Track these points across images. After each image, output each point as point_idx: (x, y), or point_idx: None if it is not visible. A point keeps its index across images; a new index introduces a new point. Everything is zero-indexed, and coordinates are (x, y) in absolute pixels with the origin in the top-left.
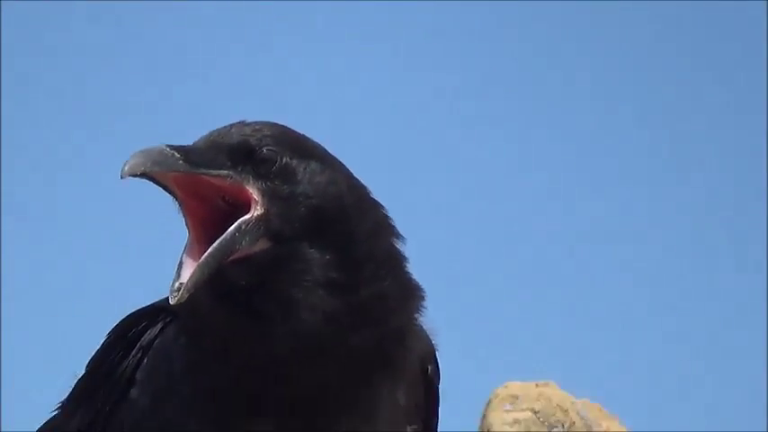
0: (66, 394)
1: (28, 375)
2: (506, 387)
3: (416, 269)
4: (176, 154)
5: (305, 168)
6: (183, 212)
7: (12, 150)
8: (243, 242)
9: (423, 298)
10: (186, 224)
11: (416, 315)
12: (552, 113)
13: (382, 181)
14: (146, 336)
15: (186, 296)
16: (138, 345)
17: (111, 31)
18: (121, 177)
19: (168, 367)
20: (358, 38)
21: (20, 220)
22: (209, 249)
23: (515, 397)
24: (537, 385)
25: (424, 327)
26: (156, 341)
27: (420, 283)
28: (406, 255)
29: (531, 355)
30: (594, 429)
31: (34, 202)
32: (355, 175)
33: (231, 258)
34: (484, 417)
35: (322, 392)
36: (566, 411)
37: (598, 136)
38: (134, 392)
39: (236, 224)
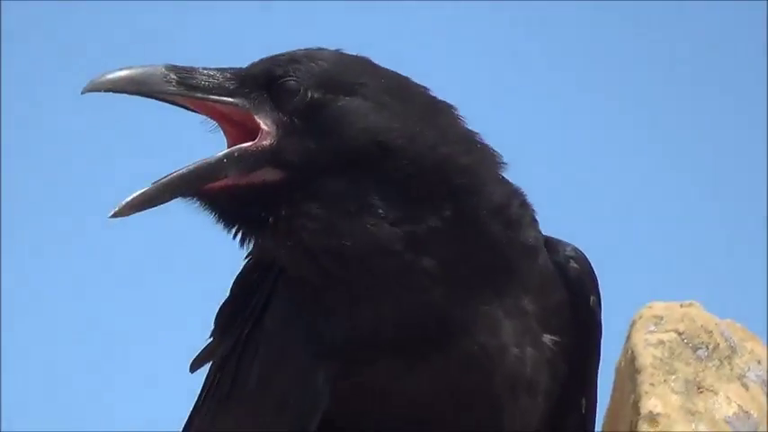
0: (214, 318)
1: (28, 375)
2: (650, 308)
3: (550, 184)
4: (171, 75)
5: (335, 106)
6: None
7: None
8: (231, 169)
9: (515, 212)
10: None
11: (513, 227)
12: None
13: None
14: None
15: (123, 214)
16: (274, 268)
17: None
18: (81, 92)
19: (294, 298)
20: None
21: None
22: (179, 171)
23: (659, 318)
24: (681, 305)
25: (541, 238)
26: None
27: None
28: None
29: (676, 274)
30: (738, 351)
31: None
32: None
33: (222, 184)
34: (628, 337)
35: (426, 318)
36: (710, 333)
37: None
38: (267, 318)
39: (227, 150)
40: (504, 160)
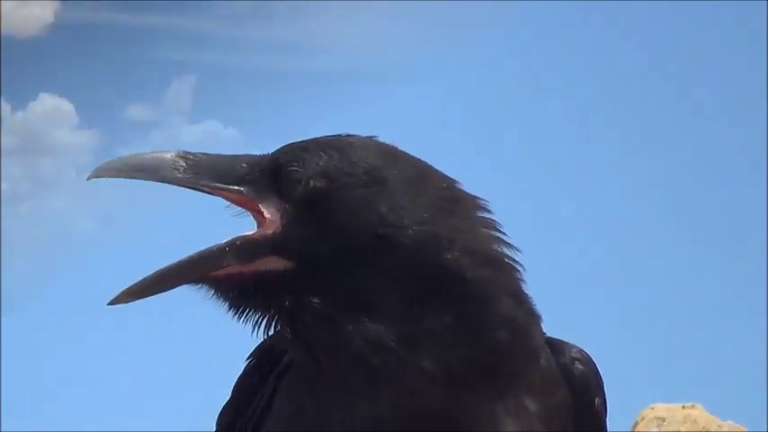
0: (216, 418)
1: (28, 375)
2: (653, 408)
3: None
4: (180, 162)
5: (336, 195)
6: None
7: None
8: (233, 258)
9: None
10: None
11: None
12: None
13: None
14: (284, 361)
15: (121, 302)
16: (275, 368)
17: None
18: (87, 179)
19: (298, 395)
20: None
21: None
22: (182, 259)
23: (662, 419)
24: (684, 407)
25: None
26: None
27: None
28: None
29: (678, 376)
30: None
31: None
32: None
33: (226, 272)
34: None
35: (425, 417)
36: None
37: None
38: (268, 422)
39: (230, 238)
40: (522, 275)
